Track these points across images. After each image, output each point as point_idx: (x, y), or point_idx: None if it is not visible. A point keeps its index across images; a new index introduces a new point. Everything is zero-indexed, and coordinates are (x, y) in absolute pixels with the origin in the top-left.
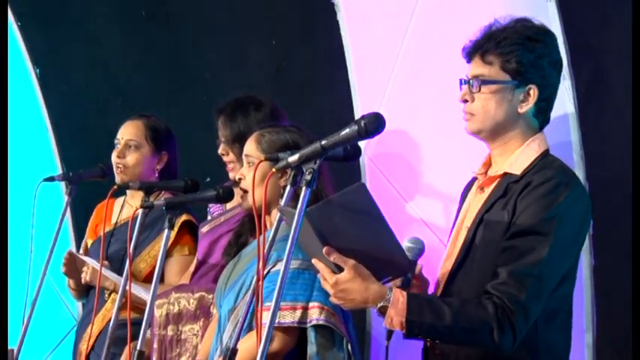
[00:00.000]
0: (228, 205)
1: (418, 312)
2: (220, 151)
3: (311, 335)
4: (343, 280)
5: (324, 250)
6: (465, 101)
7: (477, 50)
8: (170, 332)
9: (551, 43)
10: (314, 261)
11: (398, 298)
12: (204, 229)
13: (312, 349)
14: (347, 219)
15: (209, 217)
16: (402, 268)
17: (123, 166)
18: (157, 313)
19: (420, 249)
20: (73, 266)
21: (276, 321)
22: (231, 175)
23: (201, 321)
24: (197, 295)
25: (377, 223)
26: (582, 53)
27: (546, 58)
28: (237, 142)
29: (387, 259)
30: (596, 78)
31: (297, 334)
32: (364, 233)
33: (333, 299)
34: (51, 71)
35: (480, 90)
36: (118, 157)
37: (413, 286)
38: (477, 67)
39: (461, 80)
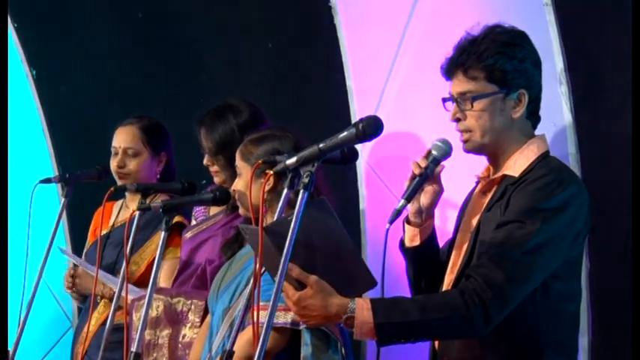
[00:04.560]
0: (212, 212)
1: (385, 314)
2: (205, 162)
3: (306, 337)
4: (305, 297)
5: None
6: (457, 120)
7: (457, 67)
8: (147, 337)
9: (528, 44)
10: (275, 278)
11: (362, 306)
12: (187, 235)
13: (307, 350)
14: (308, 234)
15: (193, 222)
16: (366, 283)
17: (124, 173)
18: (135, 316)
19: (447, 150)
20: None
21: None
22: (216, 179)
23: (177, 326)
24: (175, 299)
25: (339, 238)
26: (579, 57)
27: (528, 59)
28: (220, 153)
29: (350, 274)
30: (592, 82)
31: (289, 335)
32: (326, 249)
33: (295, 317)
34: (47, 73)
35: (472, 107)
36: (119, 166)
37: (429, 183)
38: (462, 84)
39: (444, 99)
